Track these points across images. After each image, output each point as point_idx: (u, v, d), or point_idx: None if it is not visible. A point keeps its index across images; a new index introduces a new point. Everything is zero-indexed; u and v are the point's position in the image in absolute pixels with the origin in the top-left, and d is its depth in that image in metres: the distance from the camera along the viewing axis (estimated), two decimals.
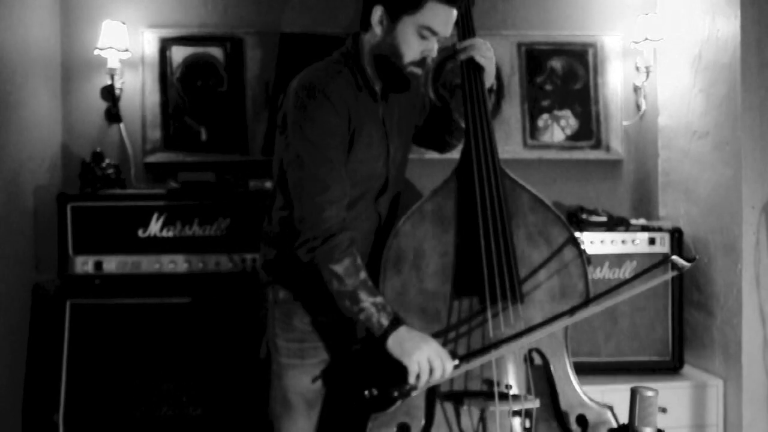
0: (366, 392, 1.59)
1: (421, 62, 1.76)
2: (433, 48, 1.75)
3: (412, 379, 1.60)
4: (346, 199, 1.73)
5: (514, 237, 1.78)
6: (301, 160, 1.70)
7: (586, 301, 1.76)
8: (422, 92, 2.02)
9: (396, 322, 1.63)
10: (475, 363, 1.66)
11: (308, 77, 1.77)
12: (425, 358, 1.59)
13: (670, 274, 1.68)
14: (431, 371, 1.59)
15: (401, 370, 1.61)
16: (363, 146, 1.78)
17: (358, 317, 1.64)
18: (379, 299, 1.64)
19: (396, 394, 1.60)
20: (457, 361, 1.62)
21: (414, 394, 1.61)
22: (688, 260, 1.62)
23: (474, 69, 1.89)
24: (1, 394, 2.44)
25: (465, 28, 1.93)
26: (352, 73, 1.79)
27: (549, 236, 1.82)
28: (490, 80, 1.93)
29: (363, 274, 1.66)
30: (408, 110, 1.97)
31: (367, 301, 1.63)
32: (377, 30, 1.74)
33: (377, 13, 1.73)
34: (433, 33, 1.72)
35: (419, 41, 1.72)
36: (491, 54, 1.90)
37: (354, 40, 1.83)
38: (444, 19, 1.72)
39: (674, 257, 1.64)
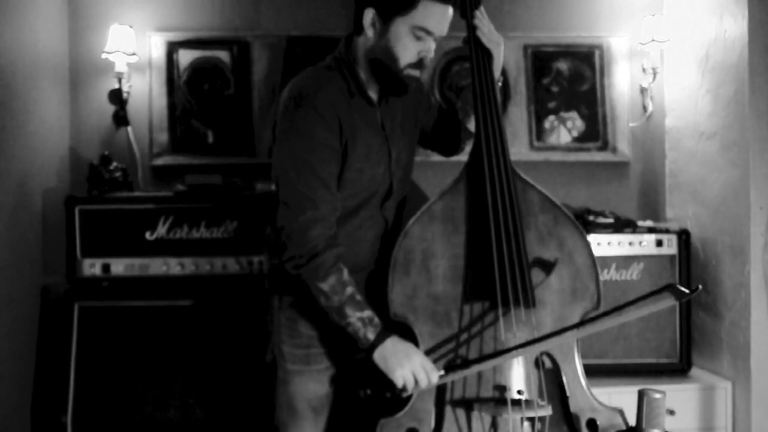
0: (360, 392, 1.65)
1: (418, 63, 1.71)
2: (430, 48, 1.71)
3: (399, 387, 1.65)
4: (336, 214, 1.71)
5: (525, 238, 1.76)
6: (289, 175, 1.68)
7: (593, 318, 1.68)
8: (426, 90, 1.95)
9: (382, 336, 1.65)
10: (463, 373, 1.67)
11: (297, 86, 1.73)
12: (409, 373, 1.63)
13: (669, 302, 1.52)
14: (417, 383, 1.63)
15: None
16: (359, 155, 1.75)
17: (346, 330, 1.67)
18: (366, 314, 1.66)
19: (388, 395, 1.65)
20: (442, 372, 1.65)
21: (405, 395, 1.65)
22: (690, 290, 1.49)
23: (483, 54, 1.85)
24: (10, 395, 2.44)
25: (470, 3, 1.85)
26: (344, 79, 1.75)
27: (560, 237, 1.79)
28: (498, 70, 1.89)
29: (349, 290, 1.66)
30: (411, 109, 1.93)
31: (353, 316, 1.65)
32: (369, 33, 1.70)
33: (368, 15, 1.69)
34: (428, 33, 1.68)
35: (414, 42, 1.68)
36: (497, 38, 1.86)
37: (346, 44, 1.78)
38: (438, 18, 1.68)
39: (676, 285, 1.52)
